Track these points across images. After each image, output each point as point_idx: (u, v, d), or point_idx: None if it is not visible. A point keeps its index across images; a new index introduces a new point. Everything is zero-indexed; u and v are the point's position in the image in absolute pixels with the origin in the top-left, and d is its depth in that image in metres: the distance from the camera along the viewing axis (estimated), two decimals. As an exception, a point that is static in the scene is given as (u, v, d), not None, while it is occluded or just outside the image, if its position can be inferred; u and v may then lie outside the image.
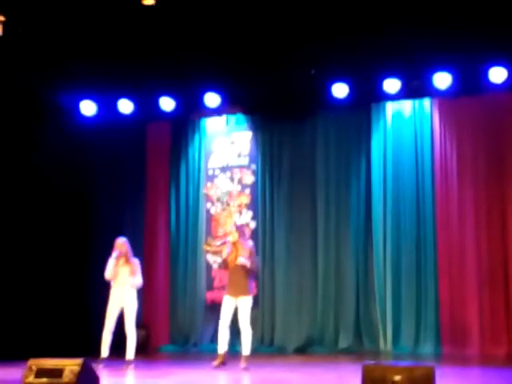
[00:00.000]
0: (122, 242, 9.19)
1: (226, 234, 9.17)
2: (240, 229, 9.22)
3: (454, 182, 10.55)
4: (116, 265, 9.06)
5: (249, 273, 8.86)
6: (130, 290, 9.07)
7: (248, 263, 8.78)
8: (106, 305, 9.09)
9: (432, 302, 10.38)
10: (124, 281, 9.06)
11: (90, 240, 11.68)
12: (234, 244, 8.91)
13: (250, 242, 9.29)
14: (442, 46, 9.25)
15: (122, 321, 9.04)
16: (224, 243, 9.10)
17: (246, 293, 8.79)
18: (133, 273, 9.09)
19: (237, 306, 8.82)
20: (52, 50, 9.63)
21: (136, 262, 9.21)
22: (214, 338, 10.71)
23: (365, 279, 10.82)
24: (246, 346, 8.76)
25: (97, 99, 11.50)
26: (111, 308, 9.05)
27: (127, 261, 9.11)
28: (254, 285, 11.20)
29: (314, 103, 11.18)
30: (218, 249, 9.30)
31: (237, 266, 8.81)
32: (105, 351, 9.04)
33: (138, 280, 9.15)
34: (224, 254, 9.00)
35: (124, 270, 9.08)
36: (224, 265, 9.02)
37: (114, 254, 9.06)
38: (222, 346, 8.83)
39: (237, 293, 8.78)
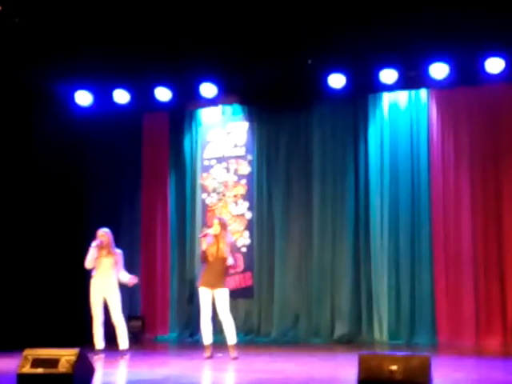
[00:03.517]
0: (103, 233, 9.17)
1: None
2: (222, 222, 9.17)
3: (450, 172, 10.54)
4: (98, 255, 9.05)
5: (228, 267, 8.87)
6: (111, 280, 9.05)
7: (233, 262, 8.79)
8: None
9: (428, 293, 10.39)
10: (106, 272, 9.04)
11: (85, 232, 11.63)
12: (216, 237, 8.88)
13: (245, 233, 9.27)
14: (439, 37, 9.23)
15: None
16: (205, 235, 9.05)
17: (222, 285, 8.80)
18: (115, 263, 9.08)
19: (214, 298, 8.81)
20: (47, 39, 9.58)
21: (119, 252, 9.20)
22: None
23: (361, 270, 10.81)
24: (232, 336, 8.78)
25: (92, 89, 11.46)
26: (94, 299, 9.05)
27: (109, 252, 9.10)
28: (249, 275, 11.28)
29: (310, 94, 11.15)
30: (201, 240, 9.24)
31: (217, 259, 8.78)
32: (99, 343, 9.04)
33: (123, 274, 9.14)
34: (204, 246, 8.97)
35: (106, 261, 9.07)
36: (203, 257, 8.98)
37: (94, 244, 9.04)
38: (207, 337, 8.86)
39: (214, 285, 8.77)
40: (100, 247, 9.04)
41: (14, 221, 10.83)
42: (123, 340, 9.03)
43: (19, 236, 10.84)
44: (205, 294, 8.81)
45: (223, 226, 9.02)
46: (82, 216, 11.93)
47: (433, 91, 10.70)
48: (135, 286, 11.37)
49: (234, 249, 9.18)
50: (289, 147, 11.41)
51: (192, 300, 11.45)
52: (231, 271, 9.16)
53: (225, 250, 8.76)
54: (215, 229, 8.92)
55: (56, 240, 11.32)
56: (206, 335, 8.88)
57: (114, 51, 9.80)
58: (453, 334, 10.20)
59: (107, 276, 9.03)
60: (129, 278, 9.18)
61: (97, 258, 9.04)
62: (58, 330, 10.54)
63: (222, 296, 8.77)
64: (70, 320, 11.06)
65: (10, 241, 10.72)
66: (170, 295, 11.88)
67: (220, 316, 8.83)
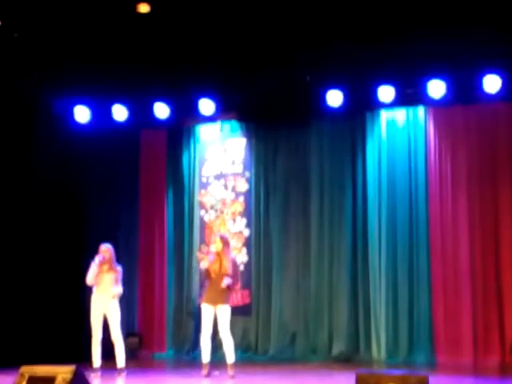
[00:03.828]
0: (106, 248, 9.14)
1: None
2: (224, 239, 9.16)
3: (448, 190, 10.54)
4: (99, 271, 9.00)
5: (230, 286, 8.86)
6: (111, 297, 9.01)
7: (230, 282, 8.78)
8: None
9: (426, 311, 10.36)
10: (107, 288, 9.00)
11: (83, 247, 11.60)
12: (218, 254, 8.87)
13: (243, 251, 9.26)
14: (437, 55, 9.26)
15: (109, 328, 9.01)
16: (208, 252, 9.05)
17: (224, 301, 8.78)
18: (116, 281, 9.04)
19: (216, 315, 8.78)
20: (46, 55, 9.62)
21: (119, 270, 9.16)
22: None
23: (359, 287, 10.78)
24: (230, 354, 8.75)
25: (91, 105, 11.46)
26: (94, 316, 9.00)
27: (111, 268, 9.06)
28: (246, 293, 11.25)
29: (308, 111, 11.16)
30: (203, 256, 9.27)
31: (219, 276, 8.78)
32: (97, 361, 8.99)
33: (119, 289, 9.10)
34: (206, 263, 8.96)
35: (107, 278, 9.03)
36: (206, 274, 8.97)
37: (97, 259, 9.00)
38: (206, 355, 8.82)
39: (216, 301, 8.76)
40: (102, 263, 9.00)
41: (13, 236, 10.79)
42: (120, 358, 8.99)
43: (17, 251, 10.80)
44: (207, 311, 8.78)
45: (225, 242, 9.02)
46: (81, 231, 11.89)
47: (430, 109, 10.72)
48: (133, 303, 11.36)
49: (235, 265, 9.16)
50: (287, 164, 11.41)
51: (189, 317, 11.41)
52: (238, 286, 9.13)
53: (228, 266, 8.76)
54: (217, 246, 8.92)
55: (54, 255, 11.26)
56: (205, 353, 8.84)
57: (113, 67, 9.83)
58: (451, 353, 10.15)
59: (108, 292, 8.99)
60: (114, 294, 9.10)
61: (98, 274, 9.00)
62: (55, 346, 10.47)
63: (224, 313, 8.75)
64: (67, 336, 10.99)
65: (8, 256, 10.68)
66: (167, 312, 11.83)
67: (220, 333, 8.80)
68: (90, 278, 9.02)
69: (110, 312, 8.97)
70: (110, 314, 8.98)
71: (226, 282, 8.74)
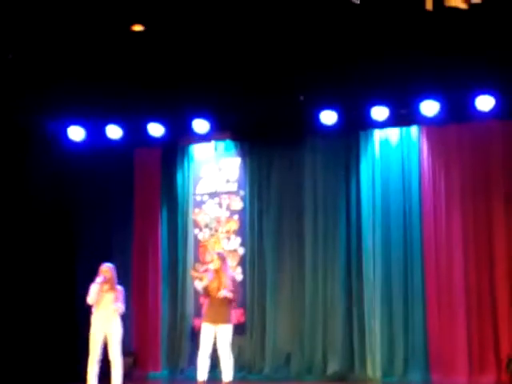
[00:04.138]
0: (107, 268, 9.10)
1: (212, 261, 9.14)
2: (222, 256, 9.15)
3: (441, 208, 10.57)
4: (100, 290, 8.96)
5: (230, 302, 8.83)
6: (113, 316, 8.96)
7: (231, 295, 8.74)
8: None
9: (420, 330, 10.36)
10: (107, 307, 8.95)
11: (77, 266, 11.60)
12: (217, 272, 8.86)
13: (238, 269, 9.24)
14: (430, 74, 9.31)
15: (107, 348, 8.94)
16: (206, 270, 9.04)
17: (225, 321, 8.75)
18: (116, 300, 8.99)
19: (216, 334, 8.75)
20: (40, 75, 9.61)
21: (121, 289, 9.13)
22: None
23: (353, 306, 10.77)
24: (228, 373, 8.71)
25: (85, 125, 11.47)
26: (94, 335, 8.92)
27: (112, 287, 9.02)
28: (241, 312, 11.22)
29: (302, 130, 11.21)
30: (201, 275, 9.25)
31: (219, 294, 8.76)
32: (92, 381, 8.91)
33: (121, 306, 9.05)
34: (205, 282, 8.95)
35: (108, 297, 8.97)
36: (205, 292, 8.96)
37: (99, 280, 8.95)
38: (202, 374, 8.79)
39: (216, 321, 8.73)
40: (103, 283, 8.96)
41: (7, 254, 10.77)
42: (117, 378, 8.92)
43: (11, 270, 10.77)
44: (207, 330, 8.75)
45: (223, 260, 9.01)
46: (74, 250, 11.88)
47: (424, 128, 10.77)
48: (127, 322, 11.28)
49: (235, 282, 9.14)
50: (281, 183, 11.44)
51: (183, 336, 11.39)
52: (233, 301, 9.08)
53: (227, 284, 8.74)
54: (215, 263, 8.91)
55: (48, 274, 11.24)
56: (201, 371, 8.80)
57: (107, 87, 9.83)
58: (446, 371, 10.14)
59: (108, 312, 8.93)
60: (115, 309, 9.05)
61: (98, 294, 8.94)
62: (50, 367, 10.43)
63: (225, 332, 8.73)
64: (62, 357, 10.94)
65: (1, 275, 10.65)
66: (162, 331, 11.78)
67: (219, 351, 8.77)
68: (91, 298, 8.94)
69: (111, 331, 8.90)
70: (110, 333, 8.89)
71: (224, 293, 8.70)
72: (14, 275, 10.80)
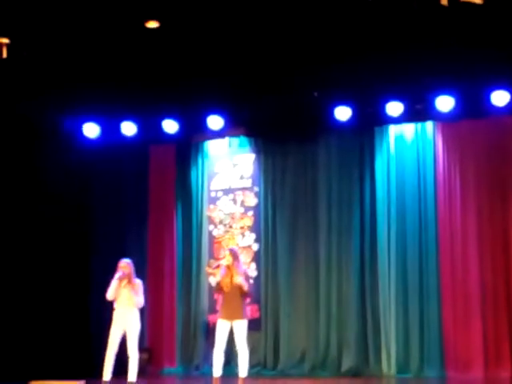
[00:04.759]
0: (125, 264, 9.14)
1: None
2: (234, 252, 9.14)
3: (456, 204, 10.54)
4: (118, 286, 9.02)
5: (244, 296, 8.82)
6: (132, 311, 9.00)
7: (246, 284, 8.73)
8: (107, 326, 9.03)
9: (435, 325, 10.33)
10: (127, 302, 8.99)
11: (92, 262, 11.65)
12: (229, 267, 8.85)
13: (245, 266, 9.22)
14: (445, 70, 9.29)
15: (124, 342, 8.98)
16: (218, 266, 9.04)
17: (241, 316, 8.73)
18: (135, 293, 9.04)
19: (232, 330, 8.75)
20: (56, 72, 9.66)
21: (139, 282, 9.17)
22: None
23: (368, 302, 10.76)
24: (244, 368, 8.70)
25: (100, 121, 11.52)
26: (114, 330, 8.98)
27: (130, 282, 9.06)
28: (255, 307, 11.23)
29: (316, 126, 11.20)
30: (214, 271, 9.25)
31: (232, 289, 8.73)
32: (107, 374, 8.96)
33: (140, 300, 9.10)
34: (218, 277, 8.96)
35: (126, 292, 9.02)
36: (218, 288, 8.95)
37: (117, 275, 9.01)
38: (217, 369, 8.79)
39: (232, 316, 8.71)
40: (122, 278, 9.02)
41: (22, 251, 10.83)
42: (132, 373, 8.96)
43: (25, 266, 10.84)
44: (222, 327, 8.74)
45: (235, 256, 8.99)
46: (89, 247, 11.93)
47: (439, 124, 10.74)
48: (142, 318, 11.34)
49: (248, 278, 9.13)
50: (295, 179, 11.43)
51: (198, 332, 11.42)
52: (247, 300, 9.07)
53: (239, 279, 8.73)
54: (227, 259, 8.90)
55: (63, 271, 11.29)
56: (217, 367, 8.80)
57: (122, 84, 9.87)
58: (462, 367, 10.12)
59: (128, 307, 8.98)
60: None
61: (117, 289, 9.01)
62: (64, 362, 10.48)
63: (241, 328, 8.71)
64: (76, 351, 10.99)
65: (17, 272, 10.71)
66: (177, 327, 11.81)
67: (237, 347, 8.76)
68: (110, 294, 9.02)
69: (130, 326, 8.94)
70: (129, 329, 8.94)
71: (240, 280, 8.65)
72: (29, 271, 10.86)
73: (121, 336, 8.95)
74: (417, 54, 8.88)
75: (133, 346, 8.94)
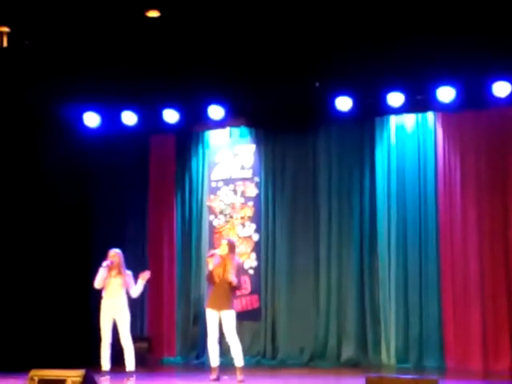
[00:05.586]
0: (115, 253, 9.19)
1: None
2: (231, 243, 9.14)
3: (457, 195, 10.52)
4: (108, 275, 9.05)
5: (234, 289, 8.84)
6: (121, 301, 9.04)
7: (236, 281, 8.74)
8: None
9: (435, 316, 10.33)
10: (115, 292, 9.04)
11: (91, 252, 11.66)
12: (223, 258, 8.85)
13: (252, 255, 9.24)
14: (446, 60, 9.26)
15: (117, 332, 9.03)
16: (212, 255, 9.03)
17: (229, 307, 8.76)
18: (125, 284, 9.07)
19: (220, 320, 8.77)
20: (56, 62, 9.66)
21: (129, 273, 9.20)
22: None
23: (368, 293, 10.77)
24: (238, 358, 8.73)
25: (100, 111, 11.50)
26: (104, 320, 9.04)
27: (119, 272, 9.09)
28: (255, 297, 11.25)
29: (317, 116, 11.17)
30: (208, 260, 9.21)
31: (222, 280, 8.76)
32: (105, 364, 9.01)
33: (137, 289, 9.12)
34: (210, 266, 8.96)
35: (116, 281, 9.06)
36: (209, 277, 8.96)
37: (105, 264, 9.05)
38: (214, 359, 8.82)
39: (220, 307, 8.74)
40: (110, 268, 9.04)
41: (22, 242, 10.86)
42: (130, 362, 9.01)
43: (26, 256, 10.87)
44: (211, 316, 8.78)
45: (231, 247, 9.00)
46: (89, 236, 11.95)
47: (440, 114, 10.71)
48: (142, 307, 11.38)
49: (242, 271, 9.14)
50: (296, 170, 11.42)
51: (197, 321, 11.44)
52: (238, 293, 9.11)
53: (231, 272, 8.72)
54: (223, 249, 8.91)
55: (63, 260, 11.31)
56: (213, 357, 8.84)
57: (122, 73, 9.86)
58: (461, 358, 10.12)
59: (116, 297, 9.02)
60: (141, 277, 9.13)
61: (106, 279, 9.04)
62: (64, 351, 10.51)
63: (229, 318, 8.73)
64: (76, 340, 11.03)
65: (17, 261, 10.75)
66: (177, 317, 11.84)
67: (227, 338, 8.80)
68: (97, 282, 9.08)
69: (118, 316, 9.01)
70: (119, 318, 9.01)
71: (232, 277, 8.67)
72: (30, 263, 10.89)
73: (111, 325, 9.01)
74: (418, 45, 8.86)
75: (125, 335, 8.98)
